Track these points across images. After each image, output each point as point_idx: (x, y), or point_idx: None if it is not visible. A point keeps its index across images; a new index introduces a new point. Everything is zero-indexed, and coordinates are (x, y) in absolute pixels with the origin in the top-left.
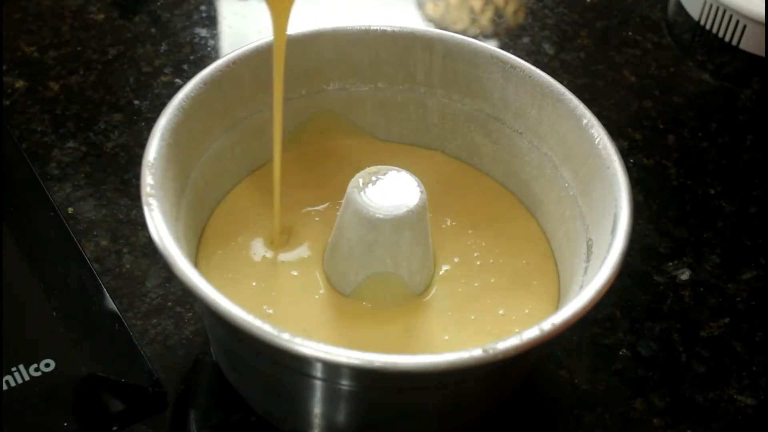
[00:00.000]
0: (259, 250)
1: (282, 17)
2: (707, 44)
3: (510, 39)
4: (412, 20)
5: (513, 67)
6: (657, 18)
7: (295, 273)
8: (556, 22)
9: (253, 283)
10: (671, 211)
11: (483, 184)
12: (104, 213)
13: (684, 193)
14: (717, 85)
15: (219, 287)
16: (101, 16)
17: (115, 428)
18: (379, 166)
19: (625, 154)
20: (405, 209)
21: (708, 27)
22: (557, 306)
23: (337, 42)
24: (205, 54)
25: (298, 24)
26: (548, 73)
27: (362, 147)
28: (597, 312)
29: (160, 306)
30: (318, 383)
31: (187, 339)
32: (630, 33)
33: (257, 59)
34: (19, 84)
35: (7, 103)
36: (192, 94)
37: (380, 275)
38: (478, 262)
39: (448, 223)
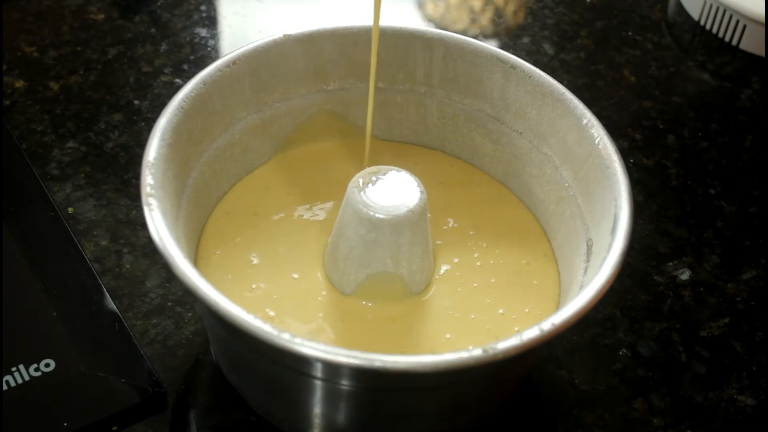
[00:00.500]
0: (258, 250)
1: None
2: (707, 44)
3: (510, 39)
4: (412, 20)
5: (513, 67)
6: (657, 18)
7: (295, 274)
8: (556, 22)
9: (253, 286)
10: (671, 211)
11: (484, 184)
12: (104, 213)
13: (684, 193)
14: (717, 85)
15: (218, 287)
16: (101, 16)
17: (115, 428)
18: (379, 166)
19: (625, 154)
20: (405, 209)
21: (708, 27)
22: (557, 306)
23: (337, 42)
24: (205, 54)
25: (298, 24)
26: (548, 73)
27: (362, 146)
28: (597, 312)
29: (160, 306)
30: (318, 383)
31: (187, 339)
32: (630, 33)
33: (257, 59)
34: (19, 84)
35: (7, 103)
36: (192, 94)
37: (380, 275)
38: (479, 263)
39: (451, 224)
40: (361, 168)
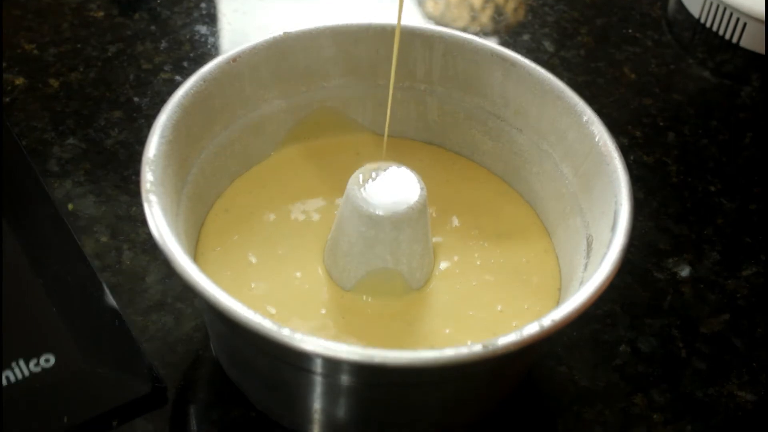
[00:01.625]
0: (257, 247)
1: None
2: (707, 42)
3: (510, 36)
4: (412, 18)
5: (513, 64)
6: (657, 15)
7: (295, 270)
8: (557, 20)
9: (253, 285)
10: (671, 208)
11: (484, 180)
12: (104, 209)
13: (684, 190)
14: (717, 83)
15: (218, 284)
16: (101, 14)
17: (114, 423)
18: (379, 162)
19: (625, 151)
20: (405, 206)
21: (708, 24)
22: (557, 302)
23: (338, 39)
24: (205, 51)
25: (299, 22)
26: (548, 71)
27: (363, 143)
28: (597, 308)
29: (160, 302)
30: (318, 379)
31: (187, 335)
32: (630, 30)
33: (257, 56)
34: (19, 81)
35: (7, 100)
36: (192, 92)
37: (380, 271)
38: (478, 262)
39: (452, 222)
40: (363, 165)
